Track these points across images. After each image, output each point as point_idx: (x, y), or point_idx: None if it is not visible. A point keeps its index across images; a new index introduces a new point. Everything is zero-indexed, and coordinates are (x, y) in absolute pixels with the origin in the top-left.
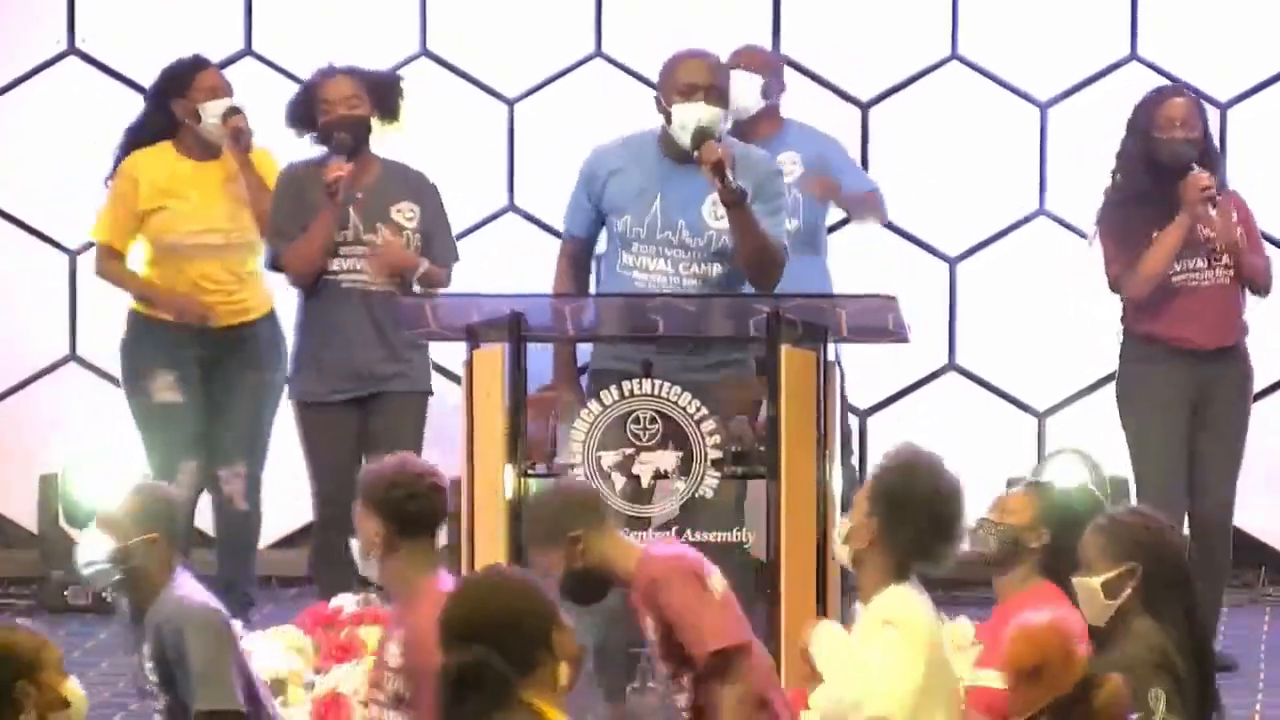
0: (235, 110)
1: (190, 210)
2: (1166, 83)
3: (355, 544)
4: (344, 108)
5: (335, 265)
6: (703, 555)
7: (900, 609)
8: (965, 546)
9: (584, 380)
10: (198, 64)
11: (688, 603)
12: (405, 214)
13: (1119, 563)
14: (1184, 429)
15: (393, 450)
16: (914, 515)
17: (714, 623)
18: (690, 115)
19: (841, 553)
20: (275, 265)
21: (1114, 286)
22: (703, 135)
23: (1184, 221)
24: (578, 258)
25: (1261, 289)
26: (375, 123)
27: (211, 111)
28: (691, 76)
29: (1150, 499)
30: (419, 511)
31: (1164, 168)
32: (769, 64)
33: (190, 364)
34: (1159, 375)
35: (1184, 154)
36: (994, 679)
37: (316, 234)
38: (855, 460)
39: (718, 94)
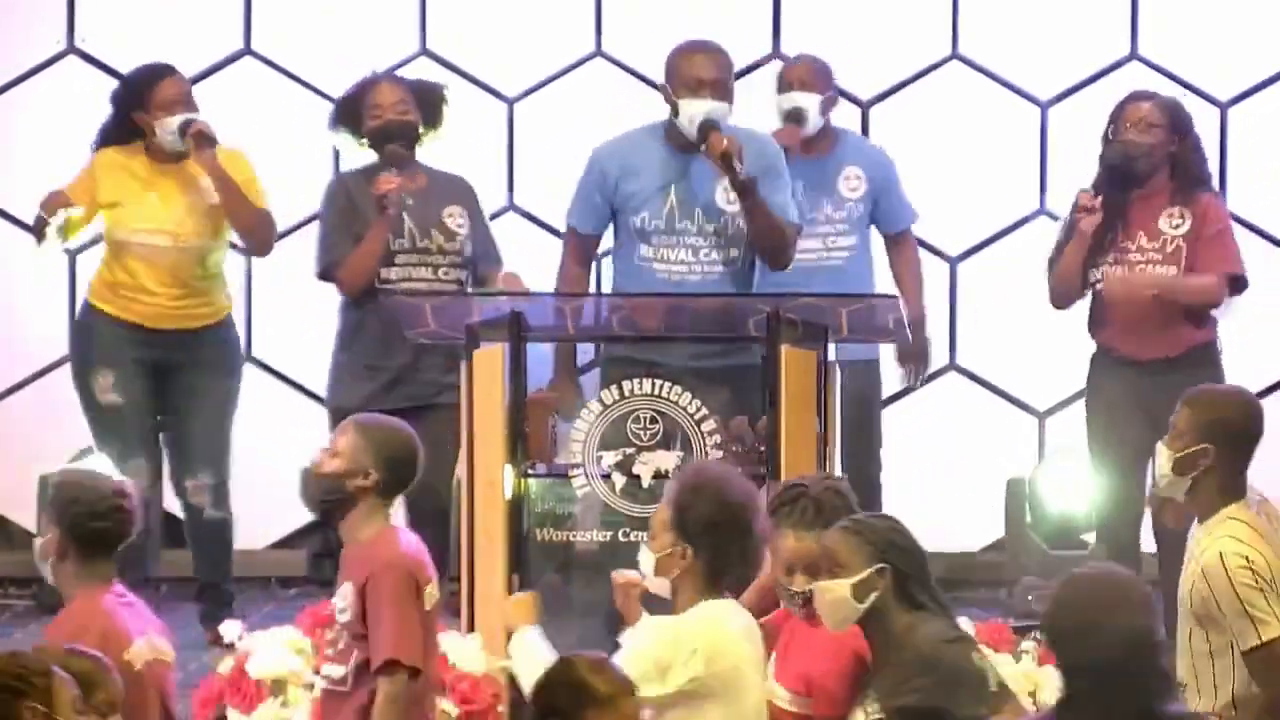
0: (190, 122)
1: (143, 210)
2: (1169, 84)
3: (37, 543)
4: (394, 113)
5: (391, 275)
6: (428, 564)
7: (708, 633)
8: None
9: (585, 379)
10: (155, 75)
11: (392, 604)
12: (456, 219)
13: (868, 564)
14: (1136, 437)
15: (441, 468)
16: (727, 534)
17: (402, 635)
18: (697, 111)
19: (657, 584)
20: (327, 276)
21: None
22: (708, 127)
23: (1080, 230)
24: (585, 254)
25: (1207, 309)
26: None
27: (167, 127)
28: (699, 71)
29: (1108, 508)
30: (97, 531)
31: (1113, 168)
32: (824, 78)
33: (133, 364)
34: (1111, 385)
35: (1125, 154)
36: (781, 696)
37: (372, 246)
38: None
39: (724, 89)
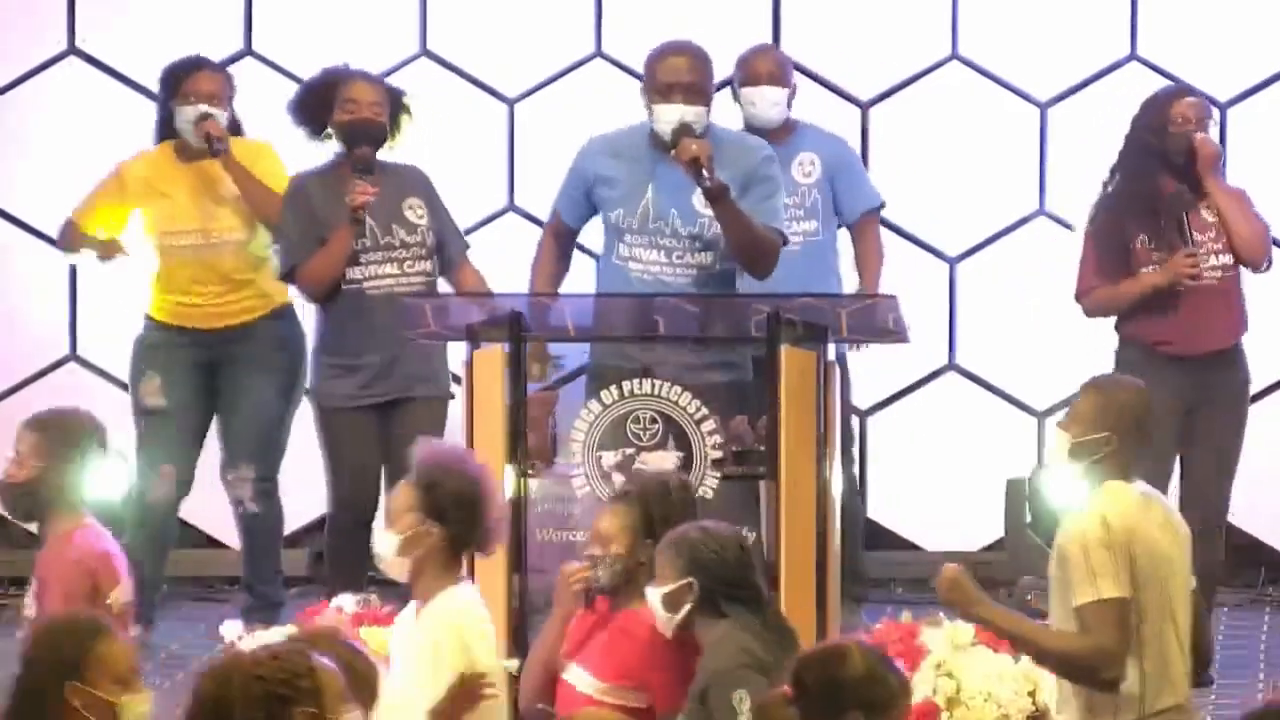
0: (205, 116)
1: (171, 210)
2: (1168, 83)
3: None
4: (369, 112)
5: (356, 274)
6: (118, 563)
7: (473, 613)
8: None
9: (568, 388)
10: (187, 66)
11: (59, 602)
12: (416, 211)
13: (679, 577)
14: (1172, 436)
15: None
16: (473, 508)
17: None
18: (670, 115)
19: (397, 566)
20: (289, 278)
21: (1077, 296)
22: (681, 133)
23: (1160, 281)
24: (562, 241)
25: (1256, 257)
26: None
27: (184, 117)
28: (670, 75)
29: None
30: None
31: (1175, 163)
32: (786, 70)
33: (184, 366)
34: (1151, 382)
35: (1178, 152)
36: (582, 678)
37: (336, 252)
38: (855, 461)
39: (698, 91)
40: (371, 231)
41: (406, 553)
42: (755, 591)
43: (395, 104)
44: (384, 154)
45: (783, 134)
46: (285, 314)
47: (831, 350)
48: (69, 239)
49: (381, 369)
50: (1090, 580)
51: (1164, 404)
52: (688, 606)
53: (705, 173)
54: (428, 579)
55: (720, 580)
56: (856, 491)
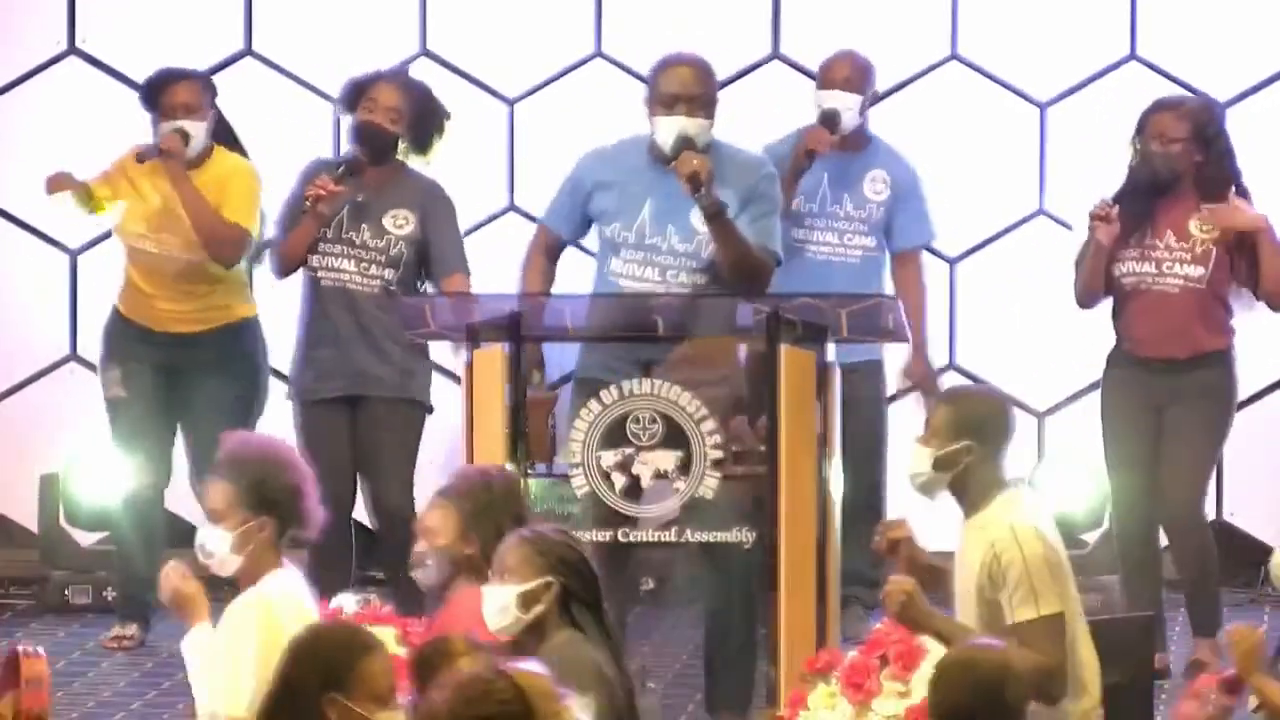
0: (176, 130)
1: (141, 215)
2: (1169, 84)
3: None
4: (383, 117)
5: (314, 262)
6: None
7: (289, 594)
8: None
9: (568, 388)
10: (163, 80)
11: None
12: (397, 221)
13: (538, 576)
14: (1148, 436)
15: (377, 462)
16: (300, 498)
17: None
18: (670, 128)
19: (231, 563)
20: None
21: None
22: (681, 146)
23: (1094, 251)
24: (551, 253)
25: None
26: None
27: (162, 133)
28: (673, 86)
29: (1118, 508)
30: None
31: (1137, 184)
32: (864, 77)
33: (142, 363)
34: (1125, 381)
35: (1147, 169)
36: None
37: (294, 238)
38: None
39: (701, 104)
40: (338, 224)
41: (241, 549)
42: (600, 602)
43: (429, 119)
44: (420, 164)
45: (858, 144)
46: (246, 326)
47: (832, 352)
48: (56, 182)
49: (331, 362)
50: (1031, 597)
51: (1135, 403)
52: (540, 607)
53: (703, 189)
54: (253, 568)
55: (581, 584)
56: (882, 498)
